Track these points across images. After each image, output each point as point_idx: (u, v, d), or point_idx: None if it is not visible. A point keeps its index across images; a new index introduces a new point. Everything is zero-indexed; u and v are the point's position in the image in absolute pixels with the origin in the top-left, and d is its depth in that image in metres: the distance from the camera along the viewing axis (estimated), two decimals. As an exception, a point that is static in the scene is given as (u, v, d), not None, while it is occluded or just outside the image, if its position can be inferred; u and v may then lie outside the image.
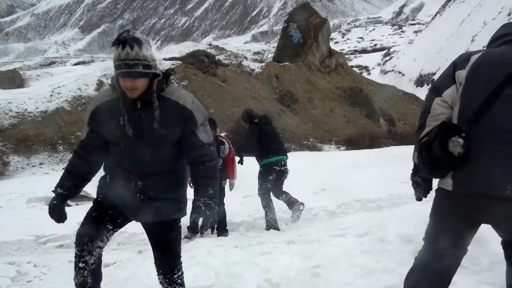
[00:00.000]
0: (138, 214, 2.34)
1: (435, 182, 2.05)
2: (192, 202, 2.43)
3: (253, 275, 3.35)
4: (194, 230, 5.24)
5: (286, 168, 5.62)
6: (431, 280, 2.01)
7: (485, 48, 2.11)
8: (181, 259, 2.51)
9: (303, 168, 9.90)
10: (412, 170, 2.07)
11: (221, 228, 5.33)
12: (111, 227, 2.38)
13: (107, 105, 2.25)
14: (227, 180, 5.41)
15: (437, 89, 1.97)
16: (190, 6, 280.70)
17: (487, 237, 3.03)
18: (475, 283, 2.70)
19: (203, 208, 2.16)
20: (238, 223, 5.78)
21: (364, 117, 28.12)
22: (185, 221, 4.95)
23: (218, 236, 5.21)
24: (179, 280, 2.49)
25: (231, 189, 5.46)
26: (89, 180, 2.42)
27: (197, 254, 4.11)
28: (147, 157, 2.22)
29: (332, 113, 27.09)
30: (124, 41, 2.05)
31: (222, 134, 5.49)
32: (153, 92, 2.16)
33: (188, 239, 5.07)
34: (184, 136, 2.25)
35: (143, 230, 6.02)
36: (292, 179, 8.05)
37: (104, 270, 3.87)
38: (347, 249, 3.85)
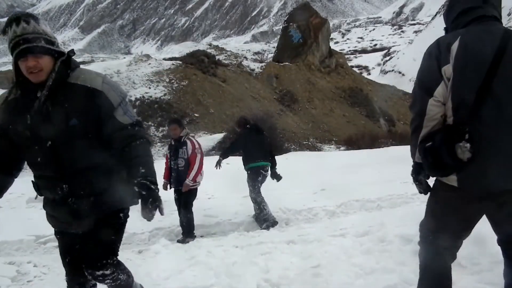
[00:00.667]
0: (81, 223, 2.07)
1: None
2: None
3: (253, 275, 3.35)
4: (189, 234, 5.22)
5: (267, 173, 5.95)
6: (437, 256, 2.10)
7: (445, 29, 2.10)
8: (117, 258, 2.17)
9: (303, 168, 9.91)
10: (413, 168, 2.06)
11: (186, 233, 5.20)
12: None
13: (11, 104, 1.98)
14: (195, 183, 5.28)
15: (427, 88, 1.91)
16: (190, 6, 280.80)
17: (487, 237, 3.02)
18: (475, 283, 2.70)
19: (137, 189, 1.86)
20: (238, 223, 5.78)
21: (364, 117, 28.15)
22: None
23: (184, 239, 5.06)
24: (107, 279, 2.11)
25: (183, 190, 5.21)
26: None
27: (197, 254, 4.11)
28: (66, 154, 1.94)
29: (332, 113, 27.11)
30: (17, 17, 1.84)
31: (191, 136, 5.49)
32: (51, 76, 1.90)
33: (181, 242, 5.02)
34: (103, 122, 1.97)
35: (143, 230, 6.03)
36: (292, 179, 8.05)
37: (104, 270, 3.90)
38: (347, 249, 3.85)
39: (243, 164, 5.86)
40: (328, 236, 4.49)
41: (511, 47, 1.84)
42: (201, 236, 5.47)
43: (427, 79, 1.93)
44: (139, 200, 1.87)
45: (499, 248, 2.32)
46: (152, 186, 1.87)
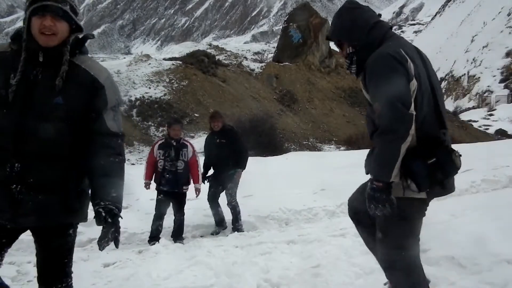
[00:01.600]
0: (17, 217, 1.77)
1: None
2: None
3: (253, 275, 3.34)
4: (180, 236, 5.18)
5: None
6: (421, 273, 2.13)
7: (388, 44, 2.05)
8: (71, 276, 1.98)
9: (303, 168, 9.91)
10: (384, 188, 1.89)
11: (178, 235, 5.16)
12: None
13: None
14: (189, 186, 5.22)
15: (407, 104, 1.85)
16: (190, 6, 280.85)
17: (487, 237, 3.03)
18: (475, 283, 2.70)
19: (103, 214, 1.72)
20: (238, 223, 5.78)
21: (364, 117, 28.10)
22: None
23: (174, 242, 4.96)
24: None
25: (197, 195, 5.24)
26: None
27: (197, 254, 4.11)
28: (34, 130, 1.72)
29: (332, 113, 27.10)
30: None
31: (187, 139, 5.47)
32: (66, 48, 1.77)
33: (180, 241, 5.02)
34: (88, 116, 1.81)
35: (143, 230, 6.01)
36: (292, 179, 8.05)
37: (104, 270, 3.90)
38: (347, 249, 3.85)
39: (234, 167, 5.56)
40: (328, 236, 4.50)
41: (427, 59, 2.05)
42: (201, 236, 5.47)
43: (407, 95, 1.86)
44: (101, 225, 1.74)
45: (499, 248, 2.33)
46: (119, 215, 1.76)
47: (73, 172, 1.83)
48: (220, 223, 5.57)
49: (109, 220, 1.72)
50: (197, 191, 5.21)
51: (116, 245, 1.77)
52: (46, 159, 1.76)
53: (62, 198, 1.81)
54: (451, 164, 1.92)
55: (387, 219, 1.97)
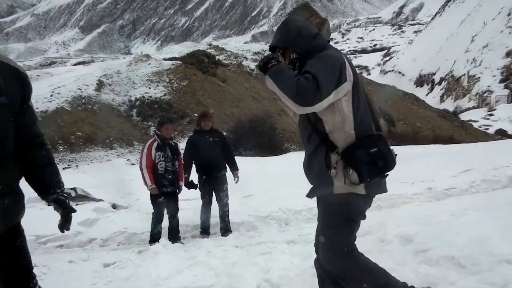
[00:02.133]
0: None
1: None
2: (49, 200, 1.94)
3: (253, 275, 3.35)
4: (178, 236, 5.22)
5: None
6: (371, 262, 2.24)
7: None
8: (33, 272, 2.03)
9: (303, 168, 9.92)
10: (263, 69, 2.05)
11: (176, 235, 5.20)
12: None
13: None
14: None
15: (322, 98, 1.95)
16: (190, 6, 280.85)
17: (487, 237, 3.03)
18: (475, 283, 2.70)
19: (67, 202, 1.90)
20: (238, 223, 5.78)
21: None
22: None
23: (173, 243, 4.89)
24: None
25: (179, 192, 5.29)
26: None
27: (197, 254, 4.11)
28: None
29: (332, 113, 27.12)
30: None
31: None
32: None
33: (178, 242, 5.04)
34: (22, 109, 1.78)
35: (143, 230, 6.01)
36: (292, 179, 8.05)
37: (104, 270, 3.90)
38: (347, 249, 3.84)
39: (225, 167, 5.53)
40: (328, 236, 4.49)
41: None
42: (201, 234, 5.47)
43: (326, 94, 1.93)
44: (60, 212, 1.90)
45: (499, 248, 2.33)
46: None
47: (18, 167, 1.84)
48: (206, 230, 5.44)
49: (71, 206, 1.91)
50: (180, 188, 5.27)
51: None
52: (4, 160, 1.73)
53: (18, 196, 1.85)
54: (391, 155, 2.06)
55: (331, 219, 2.13)
